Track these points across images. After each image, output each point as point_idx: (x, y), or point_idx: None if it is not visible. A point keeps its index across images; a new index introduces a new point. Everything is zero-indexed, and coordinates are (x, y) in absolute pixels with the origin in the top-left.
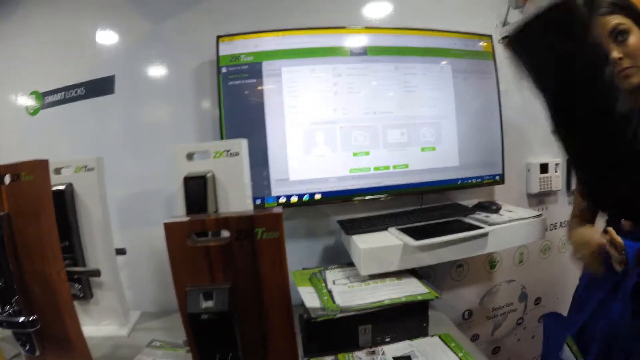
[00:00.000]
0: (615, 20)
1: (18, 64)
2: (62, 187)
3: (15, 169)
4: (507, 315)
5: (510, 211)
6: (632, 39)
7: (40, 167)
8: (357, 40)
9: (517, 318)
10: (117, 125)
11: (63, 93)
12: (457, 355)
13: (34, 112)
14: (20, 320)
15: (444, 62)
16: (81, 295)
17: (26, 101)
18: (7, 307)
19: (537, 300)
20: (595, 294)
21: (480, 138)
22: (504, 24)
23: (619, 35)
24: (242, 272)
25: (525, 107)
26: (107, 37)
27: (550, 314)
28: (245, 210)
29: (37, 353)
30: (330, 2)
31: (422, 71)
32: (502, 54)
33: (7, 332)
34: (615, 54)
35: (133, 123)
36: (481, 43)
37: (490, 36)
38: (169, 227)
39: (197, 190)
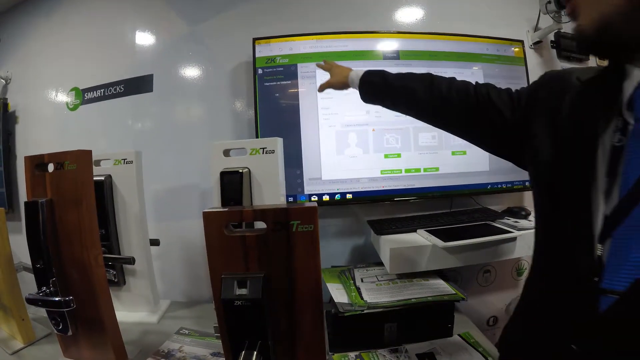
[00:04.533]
0: None
1: (59, 62)
2: (101, 178)
3: (59, 158)
4: None
5: None
6: None
7: (83, 157)
8: (389, 45)
9: None
10: (155, 122)
11: (102, 90)
12: (477, 350)
13: (74, 107)
14: (56, 300)
15: (475, 67)
16: (115, 280)
17: (66, 97)
18: (44, 288)
19: None
20: None
21: None
22: (535, 29)
23: None
24: (275, 262)
25: None
26: (145, 38)
27: None
28: (281, 203)
29: (70, 333)
30: (364, 7)
31: (453, 75)
32: (533, 59)
33: (39, 313)
34: None
35: (170, 120)
36: (512, 48)
37: (521, 41)
38: (208, 216)
39: (233, 184)
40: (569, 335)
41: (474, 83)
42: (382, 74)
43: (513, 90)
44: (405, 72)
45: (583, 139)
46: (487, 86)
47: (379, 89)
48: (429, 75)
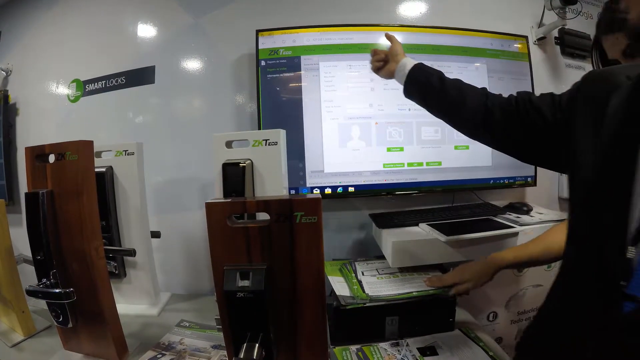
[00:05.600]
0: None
1: (60, 53)
2: (102, 169)
3: (60, 149)
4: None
5: (541, 213)
6: None
7: (85, 148)
8: None
9: None
10: (156, 114)
11: (104, 82)
12: (478, 345)
13: (75, 99)
14: (56, 292)
15: (479, 62)
16: (116, 273)
17: (67, 89)
18: (44, 280)
19: None
20: None
21: None
22: (540, 25)
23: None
24: (278, 254)
25: None
26: (147, 29)
27: None
28: (285, 195)
29: (70, 325)
30: (368, 0)
31: (457, 70)
32: (537, 55)
33: (39, 305)
34: None
35: (171, 112)
36: (516, 44)
37: (525, 37)
38: (210, 207)
39: (235, 176)
40: (586, 336)
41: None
42: (440, 76)
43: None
44: (460, 80)
45: (631, 139)
46: (528, 92)
47: (431, 90)
48: (484, 90)
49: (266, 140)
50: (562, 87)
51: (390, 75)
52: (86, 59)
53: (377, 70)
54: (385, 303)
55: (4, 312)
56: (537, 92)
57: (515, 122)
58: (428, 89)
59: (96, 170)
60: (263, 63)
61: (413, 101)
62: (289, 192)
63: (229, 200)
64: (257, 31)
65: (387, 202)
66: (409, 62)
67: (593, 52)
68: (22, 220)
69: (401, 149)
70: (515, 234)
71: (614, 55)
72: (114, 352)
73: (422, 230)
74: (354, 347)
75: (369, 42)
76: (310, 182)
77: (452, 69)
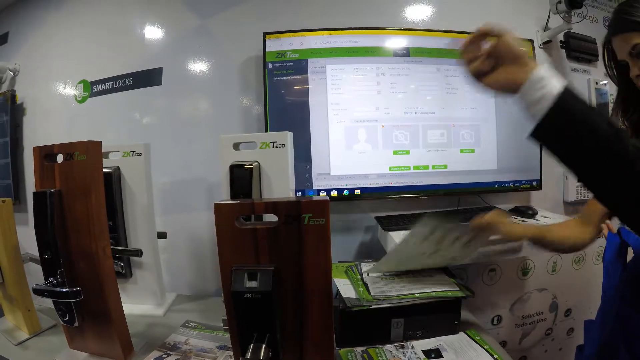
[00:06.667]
0: (636, 39)
1: (67, 54)
2: (109, 169)
3: (69, 149)
4: (536, 324)
5: (546, 217)
6: None
7: (93, 148)
8: (400, 42)
9: (546, 328)
10: (163, 115)
11: (111, 83)
12: (483, 348)
13: (82, 100)
14: (64, 290)
15: None
16: (122, 272)
17: (75, 90)
18: (51, 279)
19: (568, 312)
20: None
21: (519, 143)
22: (545, 28)
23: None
24: (286, 255)
25: None
26: (155, 31)
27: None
28: (293, 197)
29: (76, 324)
30: (375, 4)
31: (463, 73)
32: (542, 59)
33: (45, 304)
34: (636, 70)
35: (178, 114)
36: (521, 48)
37: (531, 41)
38: (219, 208)
39: (243, 178)
40: None
41: None
42: (609, 119)
43: None
44: None
45: None
46: None
47: (601, 142)
48: None
49: (273, 142)
50: None
51: (508, 86)
52: (93, 60)
53: (478, 74)
54: (390, 305)
55: (9, 310)
56: None
57: None
58: (593, 138)
59: (103, 170)
60: (270, 65)
61: (547, 147)
62: (296, 194)
63: (238, 201)
64: (265, 34)
65: (393, 205)
66: (551, 77)
67: (604, 52)
68: (28, 219)
69: (407, 152)
70: None
71: (621, 56)
72: (119, 352)
73: None
74: (359, 349)
75: (375, 45)
76: (316, 184)
77: (458, 72)
